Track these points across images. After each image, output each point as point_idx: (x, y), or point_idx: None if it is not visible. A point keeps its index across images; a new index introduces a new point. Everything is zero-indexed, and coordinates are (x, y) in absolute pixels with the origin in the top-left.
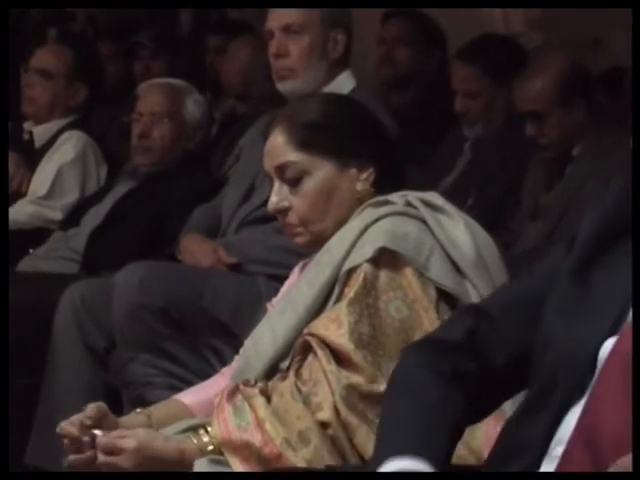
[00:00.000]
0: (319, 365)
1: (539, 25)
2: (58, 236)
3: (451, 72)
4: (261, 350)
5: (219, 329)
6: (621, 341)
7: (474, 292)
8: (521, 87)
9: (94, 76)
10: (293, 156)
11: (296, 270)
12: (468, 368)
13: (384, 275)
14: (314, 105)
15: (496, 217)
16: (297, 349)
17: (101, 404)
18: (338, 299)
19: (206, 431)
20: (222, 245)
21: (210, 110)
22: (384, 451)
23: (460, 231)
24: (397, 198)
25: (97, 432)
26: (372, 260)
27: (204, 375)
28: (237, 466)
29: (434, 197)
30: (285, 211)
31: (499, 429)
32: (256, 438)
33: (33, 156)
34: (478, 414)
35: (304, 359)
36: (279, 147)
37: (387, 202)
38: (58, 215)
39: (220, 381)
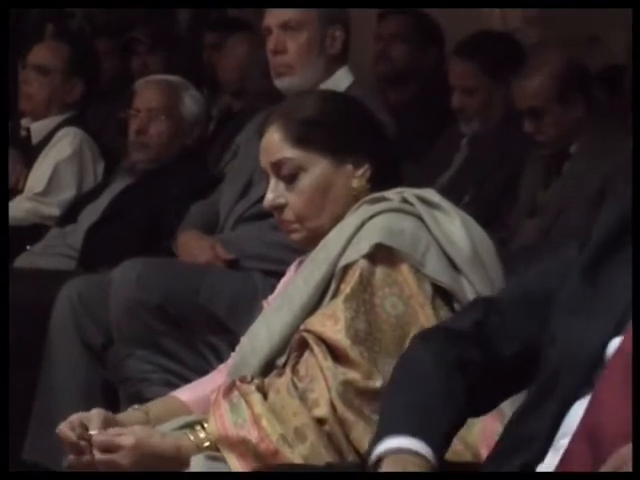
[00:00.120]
0: (315, 361)
1: (537, 22)
2: (55, 232)
3: (448, 68)
4: (257, 347)
5: (216, 326)
6: (625, 341)
7: (470, 288)
8: (519, 84)
9: (91, 72)
10: (289, 153)
11: (292, 267)
12: (474, 358)
13: (380, 271)
14: (310, 102)
15: (493, 214)
16: (293, 345)
17: (101, 411)
18: (334, 295)
19: (203, 427)
20: (219, 241)
21: (207, 106)
22: (384, 429)
23: (456, 227)
24: (393, 195)
25: (93, 432)
26: (368, 256)
27: (201, 371)
28: (233, 462)
29: (430, 194)
30: (281, 208)
31: (496, 426)
32: (252, 434)
33: (30, 153)
34: (479, 406)
35: (300, 355)
36: (275, 144)
37: (383, 199)
38: (55, 211)
39: (217, 378)
